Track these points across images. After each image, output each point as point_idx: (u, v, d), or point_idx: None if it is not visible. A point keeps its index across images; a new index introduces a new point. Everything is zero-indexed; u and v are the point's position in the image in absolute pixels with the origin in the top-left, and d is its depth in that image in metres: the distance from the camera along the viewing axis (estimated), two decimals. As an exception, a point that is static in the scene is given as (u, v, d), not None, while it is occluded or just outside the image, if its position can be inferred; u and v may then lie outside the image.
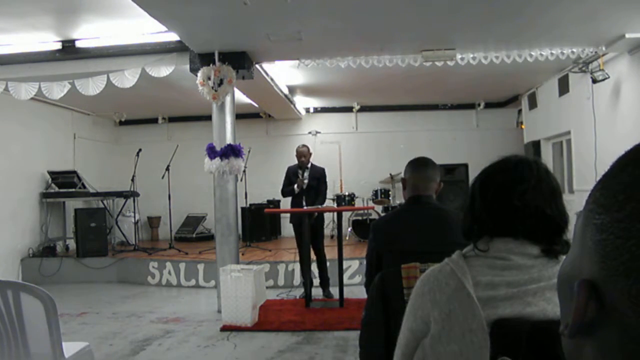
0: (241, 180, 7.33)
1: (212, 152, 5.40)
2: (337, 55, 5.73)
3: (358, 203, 8.97)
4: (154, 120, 10.10)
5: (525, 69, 6.33)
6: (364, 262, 2.44)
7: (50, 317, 2.29)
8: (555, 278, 0.56)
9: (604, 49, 5.55)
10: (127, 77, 5.52)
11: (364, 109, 9.91)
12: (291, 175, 5.85)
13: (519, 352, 0.98)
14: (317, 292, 5.76)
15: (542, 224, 1.10)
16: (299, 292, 5.91)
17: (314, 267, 5.98)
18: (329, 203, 7.58)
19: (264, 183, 9.53)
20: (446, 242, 1.27)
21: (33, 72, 5.78)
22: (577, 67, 6.36)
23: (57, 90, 5.68)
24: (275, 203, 9.28)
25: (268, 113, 9.83)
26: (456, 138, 9.72)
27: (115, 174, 9.37)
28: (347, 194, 8.43)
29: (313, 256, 5.67)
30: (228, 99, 5.50)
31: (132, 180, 8.26)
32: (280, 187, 5.95)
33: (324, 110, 10.19)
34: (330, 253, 5.86)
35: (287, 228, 9.52)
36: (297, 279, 6.43)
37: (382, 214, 8.55)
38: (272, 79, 6.85)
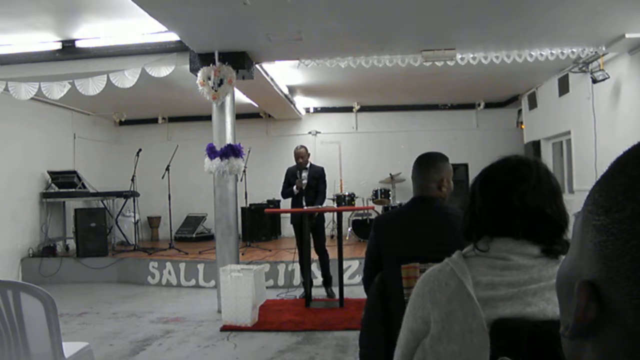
0: (241, 180, 7.33)
1: (212, 152, 5.40)
2: (337, 55, 5.73)
3: (358, 203, 8.97)
4: (154, 120, 10.10)
5: (525, 69, 6.33)
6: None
7: (50, 317, 2.29)
8: (555, 279, 0.56)
9: (604, 49, 5.55)
10: (127, 77, 5.52)
11: (364, 109, 9.92)
12: (290, 177, 5.86)
13: (519, 352, 0.98)
14: (317, 292, 5.76)
15: (542, 224, 1.10)
16: (299, 292, 5.91)
17: (315, 267, 5.99)
18: (329, 203, 7.58)
19: (264, 183, 9.53)
20: (447, 248, 1.27)
21: (33, 72, 5.78)
22: (577, 67, 6.36)
23: (57, 90, 5.67)
24: (275, 203, 9.28)
25: (268, 113, 9.82)
26: (457, 138, 9.72)
27: (115, 174, 9.37)
28: (347, 194, 8.43)
29: (314, 256, 5.68)
30: (228, 99, 5.50)
31: (132, 180, 8.26)
32: (281, 188, 5.95)
33: (324, 110, 10.19)
34: (330, 253, 5.86)
35: (287, 228, 9.52)
36: (297, 279, 6.43)
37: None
38: (272, 79, 6.85)
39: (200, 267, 6.80)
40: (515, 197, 1.12)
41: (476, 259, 1.11)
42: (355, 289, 5.81)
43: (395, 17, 4.59)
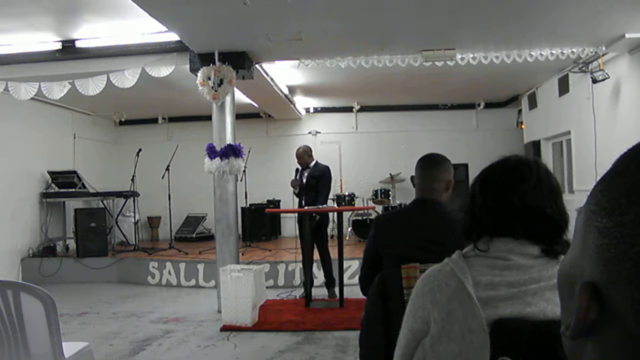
0: (241, 180, 7.32)
1: (212, 152, 5.40)
2: (337, 55, 5.73)
3: (358, 203, 8.97)
4: (154, 120, 10.09)
5: (525, 69, 6.33)
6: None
7: (50, 317, 2.29)
8: (556, 278, 0.56)
9: (604, 49, 5.55)
10: (127, 77, 5.52)
11: (364, 109, 9.91)
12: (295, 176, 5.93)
13: (519, 352, 0.99)
14: (317, 292, 5.76)
15: (542, 224, 1.10)
16: (299, 292, 5.91)
17: (315, 268, 5.99)
18: (329, 203, 7.58)
19: (264, 183, 9.53)
20: (446, 248, 1.27)
21: (33, 72, 5.78)
22: (577, 67, 6.36)
23: (57, 90, 5.67)
24: (275, 203, 9.28)
25: (268, 113, 9.82)
26: (457, 138, 9.72)
27: (115, 174, 9.37)
28: (347, 194, 8.43)
29: (316, 256, 5.70)
30: (228, 99, 5.50)
31: (132, 180, 8.26)
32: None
33: (324, 110, 10.19)
34: (331, 253, 5.86)
35: (287, 228, 9.54)
36: (297, 279, 6.43)
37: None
38: (272, 79, 6.85)
39: (200, 267, 6.80)
40: (515, 197, 1.12)
41: (476, 259, 1.11)
42: (355, 289, 5.75)
43: (395, 17, 4.58)
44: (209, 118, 5.72)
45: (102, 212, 7.88)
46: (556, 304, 0.96)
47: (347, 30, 4.93)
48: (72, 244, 8.08)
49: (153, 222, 9.96)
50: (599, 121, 6.27)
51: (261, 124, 10.25)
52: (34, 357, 2.33)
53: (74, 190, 7.82)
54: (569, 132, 7.36)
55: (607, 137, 6.07)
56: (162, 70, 5.59)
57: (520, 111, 9.53)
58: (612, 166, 0.47)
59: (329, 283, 5.76)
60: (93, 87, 5.58)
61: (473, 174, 6.44)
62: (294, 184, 5.77)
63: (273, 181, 9.68)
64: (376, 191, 8.82)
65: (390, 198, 8.80)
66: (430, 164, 2.16)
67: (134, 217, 8.58)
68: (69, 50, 5.57)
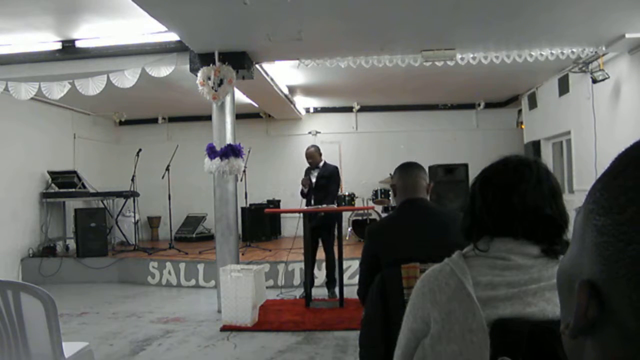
0: (241, 180, 7.32)
1: (212, 152, 5.40)
2: (337, 55, 5.73)
3: (358, 203, 8.97)
4: (154, 120, 10.09)
5: (525, 69, 6.33)
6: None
7: (50, 317, 2.29)
8: (555, 278, 0.56)
9: (604, 49, 5.55)
10: (127, 77, 5.51)
11: (364, 109, 9.91)
12: (305, 176, 5.94)
13: (519, 352, 0.99)
14: (317, 292, 5.76)
15: (542, 224, 1.10)
16: (299, 292, 5.91)
17: (315, 268, 5.99)
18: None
19: (264, 183, 9.53)
20: (445, 244, 1.27)
21: (33, 72, 5.78)
22: (577, 67, 6.36)
23: (57, 90, 5.67)
24: (275, 203, 9.28)
25: (268, 113, 9.82)
26: (456, 138, 9.72)
27: (115, 174, 9.37)
28: (347, 194, 8.43)
29: (317, 256, 5.71)
30: (228, 99, 5.50)
31: (132, 180, 8.26)
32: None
33: (324, 110, 10.19)
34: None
35: (287, 228, 9.54)
36: (297, 279, 6.43)
37: (382, 215, 8.56)
38: (272, 79, 6.85)
39: (200, 267, 6.80)
40: (515, 197, 1.12)
41: (476, 259, 1.11)
42: (355, 289, 5.79)
43: (395, 17, 4.59)
44: (209, 118, 5.72)
45: (102, 212, 7.88)
46: (556, 304, 0.96)
47: (347, 30, 4.93)
48: (72, 244, 8.08)
49: (153, 222, 9.96)
50: (599, 121, 6.27)
51: (261, 123, 10.24)
52: (34, 357, 2.33)
53: (74, 190, 7.82)
54: (568, 132, 7.36)
55: (607, 137, 6.07)
56: (162, 70, 5.59)
57: (520, 111, 9.53)
58: (611, 165, 0.47)
59: (330, 283, 5.76)
60: (93, 87, 5.58)
61: (473, 174, 6.43)
62: (305, 182, 5.77)
63: (273, 181, 9.68)
64: (376, 191, 8.82)
65: (390, 198, 8.80)
66: (411, 167, 2.31)
67: (134, 217, 8.58)
68: (69, 50, 5.56)
